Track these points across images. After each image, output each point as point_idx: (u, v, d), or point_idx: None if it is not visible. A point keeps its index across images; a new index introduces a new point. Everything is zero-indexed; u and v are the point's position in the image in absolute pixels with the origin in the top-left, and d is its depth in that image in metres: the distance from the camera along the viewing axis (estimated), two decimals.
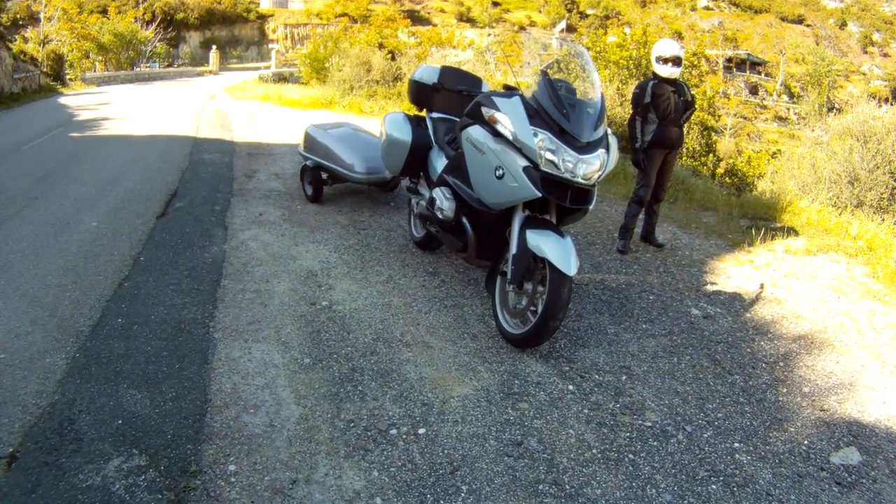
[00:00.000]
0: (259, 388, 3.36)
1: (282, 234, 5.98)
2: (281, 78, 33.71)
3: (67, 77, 30.13)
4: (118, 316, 4.13)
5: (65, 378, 3.38)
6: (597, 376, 3.66)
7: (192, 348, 3.74)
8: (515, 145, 3.76)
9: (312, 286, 4.78)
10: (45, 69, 27.73)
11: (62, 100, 20.89)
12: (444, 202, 4.46)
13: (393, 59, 21.85)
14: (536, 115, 3.77)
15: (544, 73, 3.98)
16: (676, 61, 5.60)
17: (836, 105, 55.81)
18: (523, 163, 3.71)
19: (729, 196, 8.41)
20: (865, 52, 75.91)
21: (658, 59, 5.65)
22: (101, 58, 38.85)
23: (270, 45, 57.34)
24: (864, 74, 67.54)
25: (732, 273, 5.48)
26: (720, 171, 13.71)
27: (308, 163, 7.16)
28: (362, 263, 5.30)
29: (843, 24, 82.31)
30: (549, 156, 3.63)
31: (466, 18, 66.20)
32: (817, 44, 68.57)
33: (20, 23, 42.33)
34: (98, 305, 4.28)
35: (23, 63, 24.98)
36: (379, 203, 7.17)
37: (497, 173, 3.83)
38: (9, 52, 23.12)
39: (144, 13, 48.39)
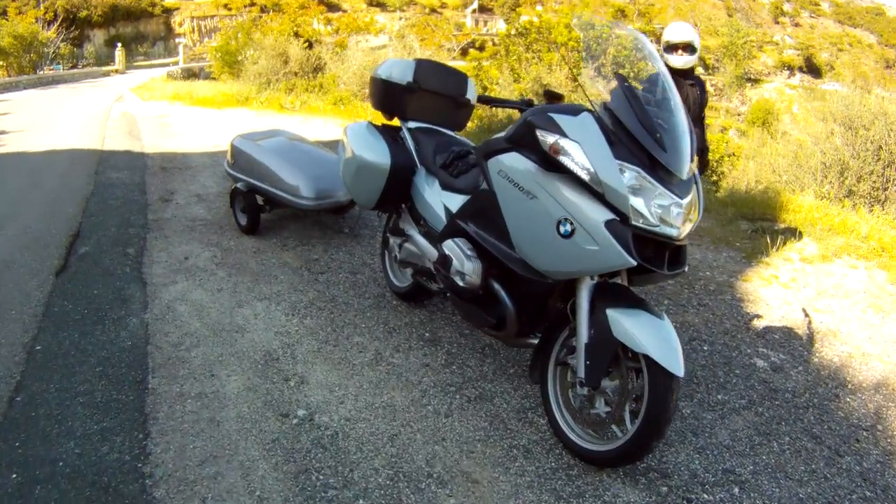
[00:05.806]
0: None
1: (218, 287, 4.64)
2: (191, 74, 32.17)
3: None
4: (9, 469, 2.69)
5: None
6: (705, 495, 2.63)
7: None
8: (591, 187, 2.49)
9: (277, 379, 3.40)
10: None
11: None
12: (464, 263, 3.10)
13: (310, 48, 20.61)
14: (618, 140, 2.52)
15: (621, 78, 2.69)
16: (688, 48, 4.77)
17: (752, 75, 57.43)
18: (605, 215, 2.47)
19: (709, 191, 7.71)
20: (777, 23, 78.55)
21: (667, 47, 4.76)
22: (0, 63, 35.76)
23: (177, 40, 54.97)
24: (776, 44, 69.69)
25: (764, 296, 4.73)
26: None
27: (239, 185, 5.78)
28: (335, 332, 3.96)
29: None
30: (638, 202, 2.44)
31: (376, 3, 65.15)
32: (730, 16, 70.21)
33: None
34: None
35: None
36: (330, 230, 5.88)
37: (562, 229, 2.55)
38: None
39: (45, 13, 45.03)
